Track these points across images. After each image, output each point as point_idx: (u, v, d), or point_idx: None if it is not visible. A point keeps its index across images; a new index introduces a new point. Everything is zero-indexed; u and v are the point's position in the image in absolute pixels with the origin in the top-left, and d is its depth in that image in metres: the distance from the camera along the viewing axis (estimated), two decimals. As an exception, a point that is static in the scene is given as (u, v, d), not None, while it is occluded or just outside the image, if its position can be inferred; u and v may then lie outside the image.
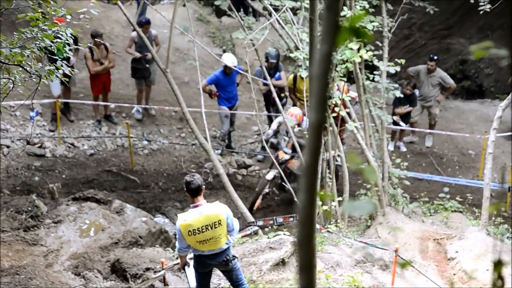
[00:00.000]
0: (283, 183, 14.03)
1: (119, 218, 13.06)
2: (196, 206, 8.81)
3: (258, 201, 14.74)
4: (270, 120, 17.03)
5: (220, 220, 8.77)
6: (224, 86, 16.28)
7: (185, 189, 8.94)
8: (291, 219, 12.52)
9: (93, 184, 15.51)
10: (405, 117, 17.00)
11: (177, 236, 9.04)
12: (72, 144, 16.79)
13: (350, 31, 2.16)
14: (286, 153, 14.69)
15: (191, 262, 9.49)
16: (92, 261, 11.89)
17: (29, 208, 12.94)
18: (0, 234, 12.09)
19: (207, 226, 8.74)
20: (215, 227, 8.77)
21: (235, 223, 9.06)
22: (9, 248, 12.01)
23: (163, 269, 11.01)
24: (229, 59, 15.87)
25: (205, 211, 8.77)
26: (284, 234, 11.65)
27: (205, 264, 9.13)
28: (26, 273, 11.13)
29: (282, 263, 10.96)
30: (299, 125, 13.99)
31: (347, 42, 10.43)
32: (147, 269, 11.49)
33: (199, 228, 8.73)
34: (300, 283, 2.46)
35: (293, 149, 14.44)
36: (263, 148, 16.07)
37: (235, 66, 15.59)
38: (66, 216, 12.93)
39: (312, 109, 2.26)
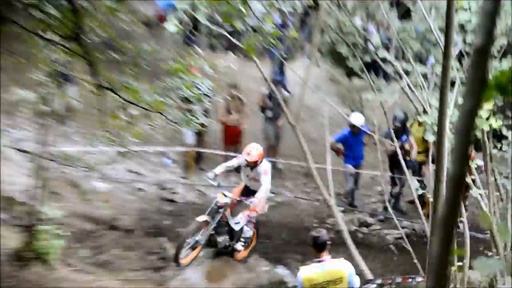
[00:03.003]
0: (215, 235, 12.63)
1: (243, 266, 13.11)
2: (320, 261, 8.75)
3: (193, 252, 12.48)
4: (393, 181, 16.83)
5: (342, 277, 8.69)
6: (351, 145, 16.28)
7: (311, 243, 8.89)
8: (410, 280, 12.24)
9: (219, 231, 15.65)
10: None
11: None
12: (202, 192, 17.03)
13: (496, 87, 2.12)
14: (225, 196, 12.74)
15: None
16: (214, 304, 11.98)
17: (159, 250, 13.16)
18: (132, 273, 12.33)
19: (328, 282, 8.66)
20: (336, 284, 8.68)
21: (356, 281, 8.96)
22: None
23: (281, 318, 10.98)
24: (356, 119, 15.90)
25: (328, 266, 8.71)
26: (402, 294, 11.41)
27: None
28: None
29: (398, 322, 10.72)
30: (255, 164, 12.89)
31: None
32: (265, 317, 11.49)
33: (320, 283, 8.66)
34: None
35: (245, 193, 13.14)
36: (385, 208, 15.84)
37: (362, 126, 15.56)
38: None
39: (453, 162, 2.22)
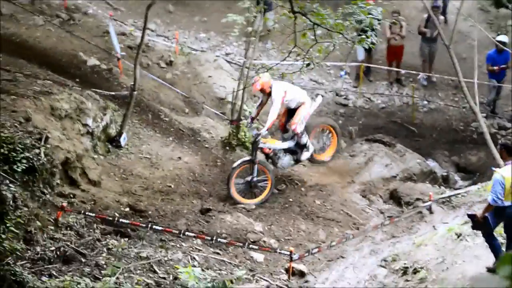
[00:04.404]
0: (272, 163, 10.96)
1: (400, 158, 12.84)
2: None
3: (265, 191, 10.86)
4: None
5: None
6: (496, 62, 15.40)
7: (503, 150, 8.18)
8: None
9: (382, 130, 15.32)
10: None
11: (497, 188, 7.76)
12: (369, 99, 16.73)
13: None
14: (258, 129, 11.01)
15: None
16: (376, 188, 11.86)
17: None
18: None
19: None
20: None
21: None
22: (315, 171, 12.32)
23: (430, 200, 10.69)
24: (501, 37, 15.12)
25: None
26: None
27: (503, 213, 8.36)
28: (327, 191, 11.40)
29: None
30: (264, 92, 10.78)
31: None
32: (417, 199, 11.27)
33: None
34: None
35: (288, 113, 11.15)
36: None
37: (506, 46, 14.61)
38: (359, 152, 12.95)
39: None
